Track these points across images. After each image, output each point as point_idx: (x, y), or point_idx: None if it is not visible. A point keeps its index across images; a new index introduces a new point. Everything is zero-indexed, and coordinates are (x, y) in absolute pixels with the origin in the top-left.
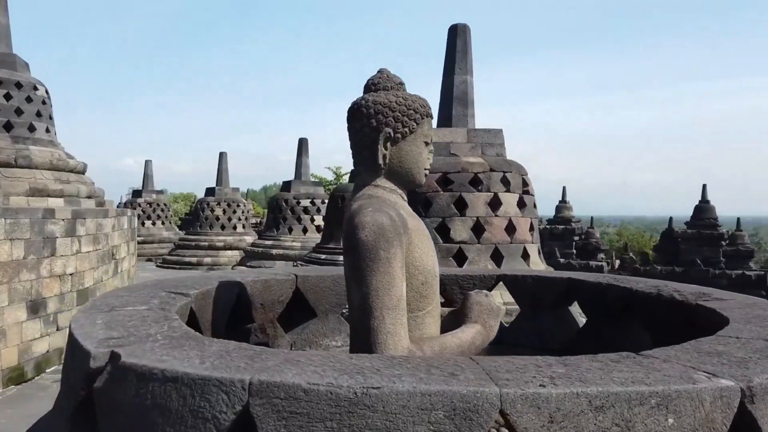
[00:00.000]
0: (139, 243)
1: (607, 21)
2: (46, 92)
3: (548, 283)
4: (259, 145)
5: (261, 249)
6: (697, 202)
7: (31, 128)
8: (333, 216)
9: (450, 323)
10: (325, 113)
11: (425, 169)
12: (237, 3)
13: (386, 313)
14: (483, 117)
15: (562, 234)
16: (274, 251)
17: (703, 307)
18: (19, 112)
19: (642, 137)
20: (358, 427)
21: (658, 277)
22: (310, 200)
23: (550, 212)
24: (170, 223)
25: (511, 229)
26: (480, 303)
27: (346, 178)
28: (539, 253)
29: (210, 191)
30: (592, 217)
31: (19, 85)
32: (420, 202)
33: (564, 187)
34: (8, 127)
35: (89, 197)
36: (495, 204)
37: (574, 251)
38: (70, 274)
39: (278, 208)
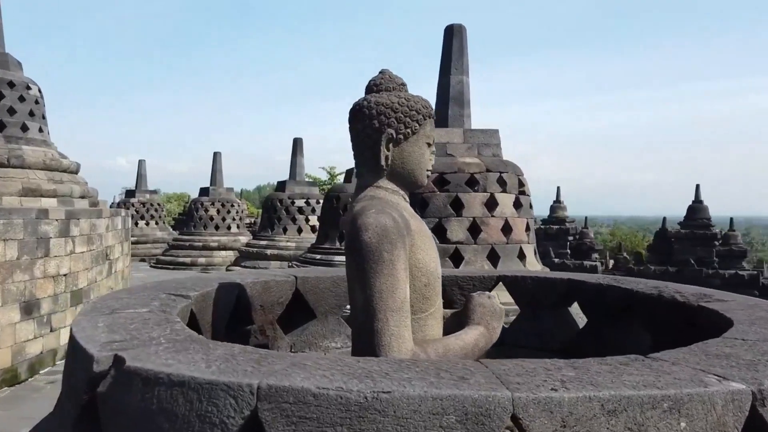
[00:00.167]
0: (132, 243)
1: (605, 21)
2: (39, 91)
3: (548, 284)
4: (254, 144)
5: (256, 249)
6: (690, 202)
7: (24, 128)
8: (328, 216)
9: (452, 325)
10: (320, 113)
11: (427, 170)
12: (232, 2)
13: (390, 315)
14: (480, 117)
15: (557, 234)
16: (268, 251)
17: (705, 308)
18: (11, 111)
19: (636, 138)
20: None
21: (652, 276)
22: (304, 200)
23: (545, 212)
24: (164, 223)
25: (507, 229)
26: (483, 305)
27: (340, 178)
28: (535, 253)
29: (204, 191)
30: (586, 217)
31: (11, 85)
32: (416, 203)
33: (558, 187)
34: (1, 126)
35: (83, 197)
36: (491, 204)
37: (569, 251)
38: (64, 275)
39: (273, 208)
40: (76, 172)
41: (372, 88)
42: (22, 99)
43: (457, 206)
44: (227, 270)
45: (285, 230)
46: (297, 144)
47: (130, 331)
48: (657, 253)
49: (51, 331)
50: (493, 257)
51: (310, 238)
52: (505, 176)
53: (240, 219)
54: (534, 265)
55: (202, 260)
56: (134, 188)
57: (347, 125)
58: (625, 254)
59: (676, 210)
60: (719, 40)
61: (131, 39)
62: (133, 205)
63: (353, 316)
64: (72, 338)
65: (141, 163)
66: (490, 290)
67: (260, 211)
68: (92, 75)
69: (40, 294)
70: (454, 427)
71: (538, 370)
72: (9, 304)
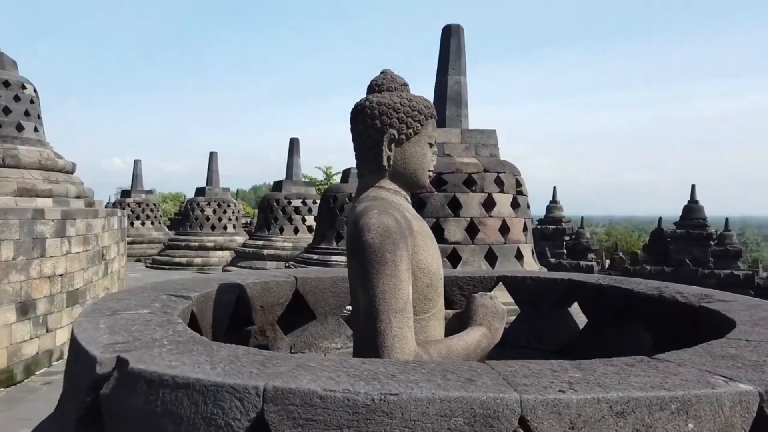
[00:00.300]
0: (128, 243)
1: (602, 22)
2: (35, 91)
3: (548, 284)
4: (250, 144)
5: (252, 249)
6: (685, 202)
7: (19, 127)
8: (325, 216)
9: (454, 325)
10: (317, 113)
11: (429, 170)
12: (229, 2)
13: (393, 316)
14: (477, 117)
15: (553, 234)
16: (265, 251)
17: (707, 309)
18: (6, 111)
19: (632, 138)
20: None
21: (648, 276)
22: (301, 200)
23: (541, 212)
24: (160, 223)
25: (504, 229)
26: (485, 305)
27: (337, 178)
28: (533, 253)
29: (200, 191)
30: (582, 217)
31: (6, 84)
32: (414, 203)
33: (554, 187)
34: None
35: (78, 197)
36: (489, 204)
37: (565, 251)
38: (60, 275)
39: (269, 208)
40: (72, 172)
41: (374, 88)
42: (17, 98)
43: (455, 206)
44: (223, 270)
45: (281, 230)
46: (293, 144)
47: (132, 333)
48: (653, 253)
49: (47, 331)
50: (491, 257)
51: (306, 238)
52: (502, 176)
53: (236, 219)
54: (531, 265)
55: (198, 260)
56: (130, 188)
57: (345, 125)
58: (621, 254)
59: (672, 210)
60: (719, 40)
61: (127, 39)
62: (128, 205)
63: (354, 316)
64: (73, 340)
65: (137, 163)
66: (490, 290)
67: (256, 211)
68: (87, 75)
69: (35, 294)
70: (462, 430)
71: (545, 372)
72: (5, 304)
